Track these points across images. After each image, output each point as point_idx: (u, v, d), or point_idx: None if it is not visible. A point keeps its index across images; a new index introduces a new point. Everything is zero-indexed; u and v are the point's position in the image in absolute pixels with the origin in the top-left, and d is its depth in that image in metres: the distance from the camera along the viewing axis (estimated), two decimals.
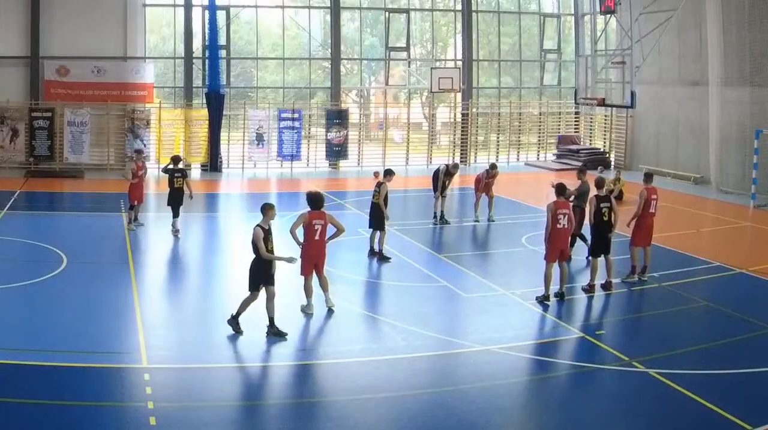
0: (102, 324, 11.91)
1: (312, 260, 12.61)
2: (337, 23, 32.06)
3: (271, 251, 11.64)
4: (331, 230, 12.83)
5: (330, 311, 12.78)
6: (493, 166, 21.12)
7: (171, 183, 18.35)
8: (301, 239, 12.58)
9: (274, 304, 11.64)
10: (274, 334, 11.57)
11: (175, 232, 18.23)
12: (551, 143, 34.79)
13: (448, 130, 35.61)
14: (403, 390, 9.92)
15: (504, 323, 12.60)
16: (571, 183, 25.97)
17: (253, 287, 11.68)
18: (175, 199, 18.29)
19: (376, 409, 9.42)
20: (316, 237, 12.49)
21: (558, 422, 9.29)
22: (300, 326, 12.72)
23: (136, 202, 18.90)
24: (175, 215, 18.33)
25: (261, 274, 11.63)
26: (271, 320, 11.64)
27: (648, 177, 15.29)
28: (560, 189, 13.58)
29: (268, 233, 11.58)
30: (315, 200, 12.65)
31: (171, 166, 18.66)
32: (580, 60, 29.84)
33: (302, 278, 12.70)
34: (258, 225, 11.60)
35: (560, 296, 13.53)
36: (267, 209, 11.75)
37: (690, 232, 19.85)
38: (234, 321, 11.73)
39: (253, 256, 11.68)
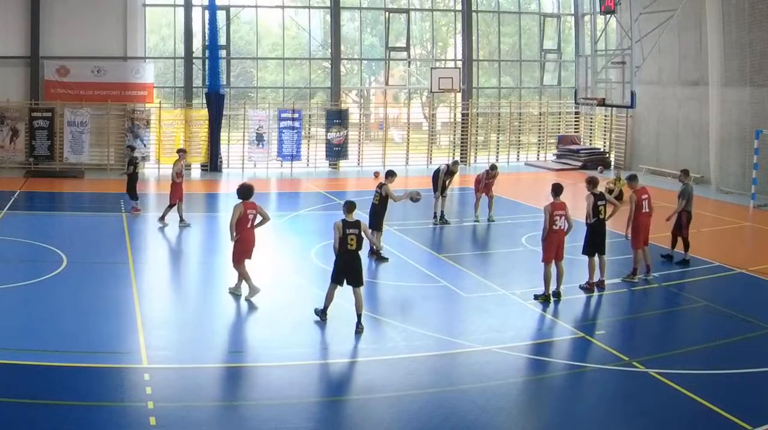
0: (102, 324, 11.91)
1: (248, 248, 13.34)
2: (337, 23, 32.06)
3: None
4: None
5: (247, 301, 13.34)
6: (493, 167, 21.13)
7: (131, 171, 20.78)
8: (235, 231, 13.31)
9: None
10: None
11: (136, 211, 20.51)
12: (551, 143, 34.79)
13: (448, 130, 35.61)
14: (403, 390, 9.92)
15: (504, 323, 12.60)
16: (571, 183, 25.93)
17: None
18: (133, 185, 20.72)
19: (376, 409, 9.42)
20: (249, 226, 13.27)
21: (558, 422, 9.30)
22: (299, 326, 12.73)
23: (177, 201, 19.39)
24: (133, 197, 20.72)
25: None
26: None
27: (633, 178, 15.25)
28: (557, 190, 13.60)
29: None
30: (246, 191, 13.42)
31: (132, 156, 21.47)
32: (580, 60, 29.86)
33: (236, 266, 13.43)
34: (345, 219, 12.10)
35: (557, 295, 13.55)
36: (351, 206, 12.16)
37: (690, 232, 19.84)
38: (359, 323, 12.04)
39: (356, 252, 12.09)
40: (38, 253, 16.21)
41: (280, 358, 11.08)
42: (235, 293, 13.57)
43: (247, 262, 13.38)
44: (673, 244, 16.30)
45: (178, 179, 19.37)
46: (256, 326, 12.38)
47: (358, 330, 11.90)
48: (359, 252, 12.04)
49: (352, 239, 11.91)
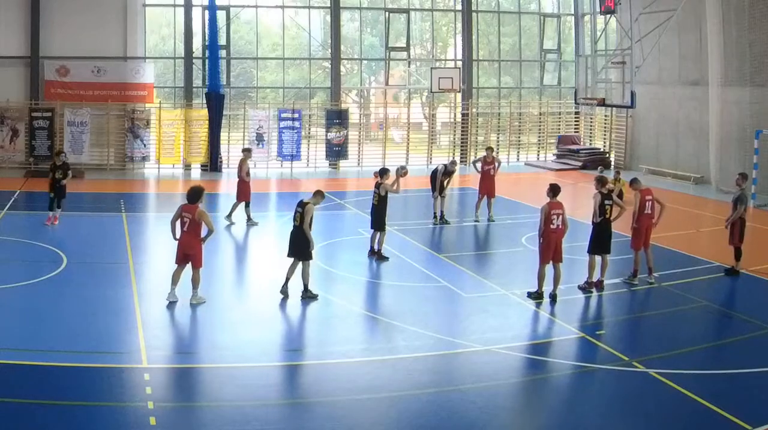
0: (102, 324, 11.91)
1: (178, 250, 13.00)
2: (337, 23, 32.06)
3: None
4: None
5: (192, 306, 12.89)
6: (489, 150, 21.30)
7: (53, 175, 18.81)
8: (179, 232, 13.11)
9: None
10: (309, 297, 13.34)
11: (53, 220, 18.72)
12: (551, 143, 34.79)
13: (448, 130, 35.61)
14: (403, 390, 9.92)
15: (504, 323, 12.60)
16: (571, 183, 25.87)
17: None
18: (57, 191, 18.82)
19: (376, 409, 9.42)
20: (184, 229, 12.90)
21: (558, 422, 9.29)
22: (299, 326, 12.75)
23: (245, 200, 19.73)
24: (59, 205, 18.88)
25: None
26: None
27: (634, 181, 15.11)
28: (554, 190, 13.57)
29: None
30: (188, 194, 13.10)
31: (54, 161, 19.24)
32: (580, 60, 29.88)
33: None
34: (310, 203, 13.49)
35: (553, 298, 13.51)
36: (319, 194, 13.79)
37: (690, 232, 19.85)
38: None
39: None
40: (38, 253, 16.20)
41: (280, 358, 11.10)
42: (169, 300, 13.02)
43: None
44: (737, 256, 15.62)
45: (248, 178, 19.67)
46: (256, 326, 12.36)
47: (302, 296, 13.32)
48: (303, 228, 13.27)
49: (297, 215, 13.48)
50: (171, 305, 12.85)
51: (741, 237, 15.57)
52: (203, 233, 13.12)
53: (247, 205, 19.69)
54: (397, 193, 16.73)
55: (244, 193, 19.71)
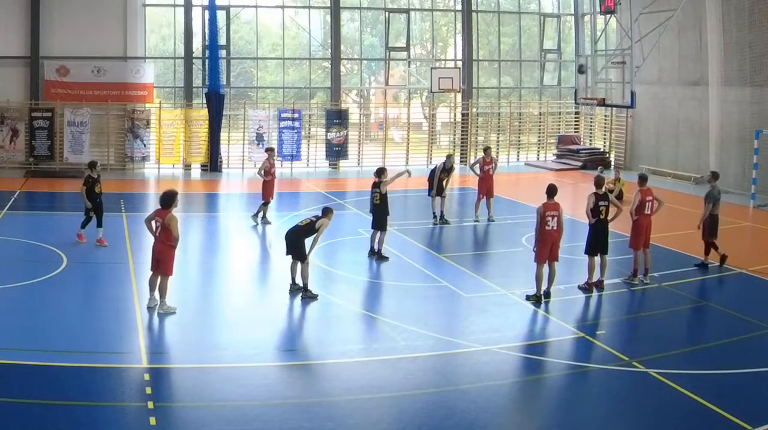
0: (102, 324, 11.91)
1: (152, 256, 12.62)
2: (337, 23, 32.06)
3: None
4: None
5: (159, 315, 12.37)
6: (487, 150, 21.39)
7: (91, 190, 16.90)
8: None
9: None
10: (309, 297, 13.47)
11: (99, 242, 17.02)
12: (551, 143, 34.80)
13: (448, 130, 35.61)
14: (403, 390, 9.92)
15: (504, 323, 12.60)
16: (571, 183, 25.85)
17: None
18: (100, 207, 17.11)
19: (376, 409, 9.42)
20: (157, 234, 12.49)
21: (558, 422, 9.30)
22: (299, 326, 12.75)
23: (269, 200, 19.95)
24: (99, 224, 17.13)
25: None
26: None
27: (642, 179, 15.21)
28: (551, 191, 13.57)
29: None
30: (161, 199, 12.63)
31: (90, 174, 17.09)
32: (580, 60, 29.82)
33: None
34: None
35: (547, 295, 13.52)
36: (331, 212, 14.06)
37: (690, 232, 19.82)
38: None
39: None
40: (38, 253, 16.20)
41: (280, 358, 11.10)
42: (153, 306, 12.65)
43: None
44: (707, 251, 15.90)
45: (267, 178, 19.82)
46: (255, 326, 12.37)
47: (302, 296, 13.47)
48: (305, 228, 13.69)
49: (306, 220, 13.96)
50: (150, 309, 12.53)
51: (712, 232, 15.58)
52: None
53: (265, 204, 19.94)
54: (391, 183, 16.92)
55: (266, 191, 19.95)
